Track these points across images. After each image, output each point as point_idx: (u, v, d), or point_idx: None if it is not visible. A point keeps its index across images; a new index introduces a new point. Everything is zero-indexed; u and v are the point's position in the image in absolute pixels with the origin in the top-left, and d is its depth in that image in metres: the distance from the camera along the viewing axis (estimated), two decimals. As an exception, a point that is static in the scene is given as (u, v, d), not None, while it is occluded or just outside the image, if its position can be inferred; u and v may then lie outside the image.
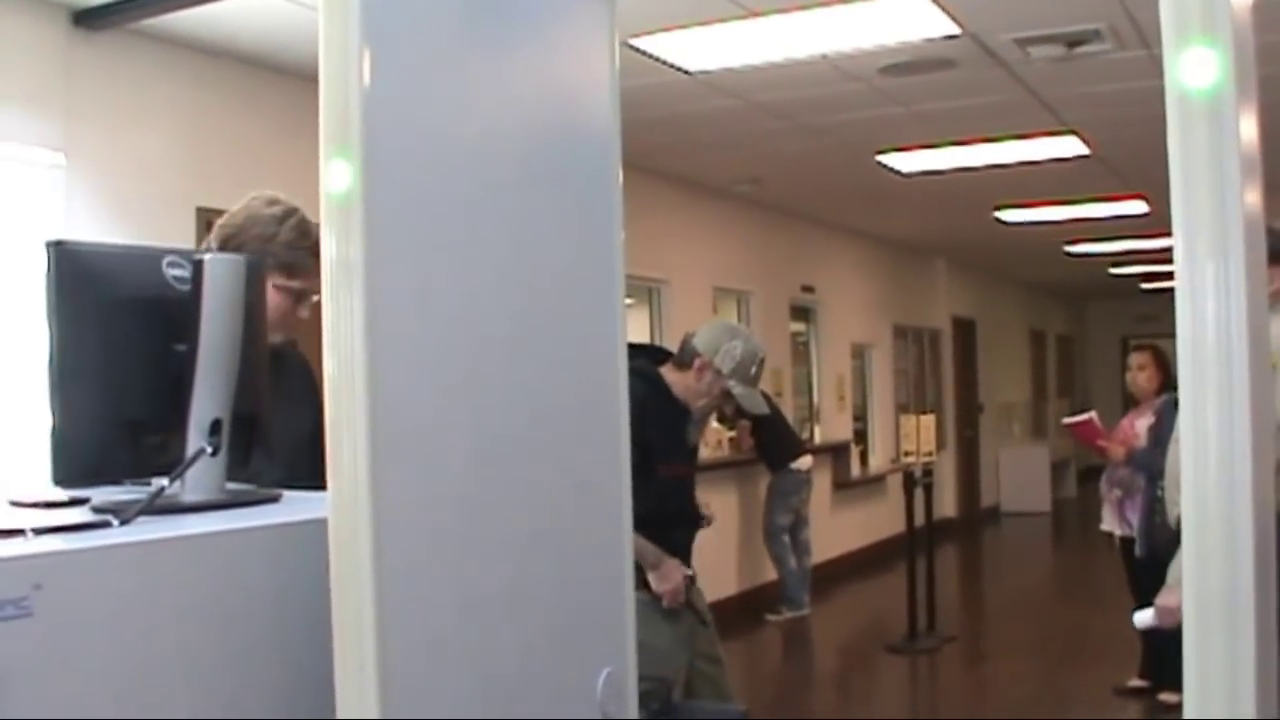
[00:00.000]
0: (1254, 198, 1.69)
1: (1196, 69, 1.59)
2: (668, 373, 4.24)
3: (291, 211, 3.03)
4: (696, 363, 4.20)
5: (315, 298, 2.96)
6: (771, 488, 10.49)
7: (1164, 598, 3.82)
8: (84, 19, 5.31)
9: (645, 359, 4.28)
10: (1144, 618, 3.94)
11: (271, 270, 2.93)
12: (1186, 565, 1.56)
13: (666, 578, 4.10)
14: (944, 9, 5.81)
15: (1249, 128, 1.67)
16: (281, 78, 6.13)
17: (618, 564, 2.30)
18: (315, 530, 1.81)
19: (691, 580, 4.20)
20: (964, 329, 17.42)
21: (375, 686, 1.69)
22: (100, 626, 1.68)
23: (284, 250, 2.98)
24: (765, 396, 10.37)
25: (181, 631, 1.79)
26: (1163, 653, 6.58)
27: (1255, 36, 1.87)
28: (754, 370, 4.22)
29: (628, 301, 7.84)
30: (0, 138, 5.02)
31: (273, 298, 2.96)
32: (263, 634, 1.91)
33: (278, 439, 2.50)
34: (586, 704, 2.16)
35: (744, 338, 4.27)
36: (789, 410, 11.49)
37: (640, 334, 9.57)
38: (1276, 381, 4.37)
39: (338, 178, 1.74)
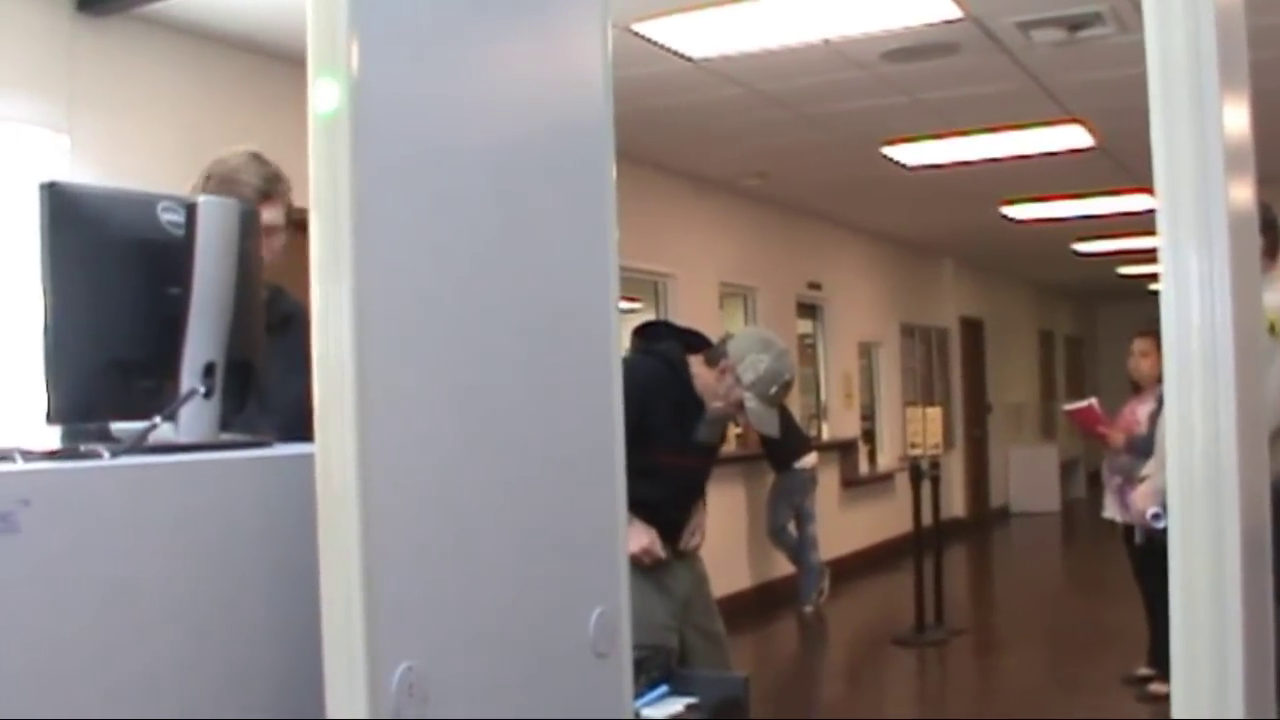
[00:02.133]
0: (1242, 189, 1.66)
1: (1174, 52, 1.56)
2: (696, 364, 4.16)
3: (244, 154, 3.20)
4: (722, 364, 4.11)
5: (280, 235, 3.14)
6: (774, 487, 10.50)
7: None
8: (88, 4, 5.33)
9: (676, 343, 4.22)
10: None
11: None
12: (1172, 564, 1.55)
13: (632, 539, 4.09)
14: (945, -10, 5.83)
15: (1236, 115, 1.64)
16: (283, 64, 6.14)
17: (610, 509, 2.31)
18: (304, 465, 1.81)
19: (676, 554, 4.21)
20: (972, 328, 17.40)
21: (362, 632, 1.69)
22: (87, 547, 1.69)
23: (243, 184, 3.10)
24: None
25: (168, 556, 1.80)
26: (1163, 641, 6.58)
27: (1247, 19, 1.83)
28: (774, 390, 4.10)
29: (635, 306, 7.78)
30: (5, 120, 5.06)
31: None
32: (250, 563, 1.92)
33: (276, 394, 2.51)
34: (579, 643, 2.17)
35: (775, 354, 4.11)
36: (796, 408, 11.48)
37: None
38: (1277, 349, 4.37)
39: (325, 167, 1.74)
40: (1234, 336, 1.53)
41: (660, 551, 4.08)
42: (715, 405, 4.13)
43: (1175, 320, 1.54)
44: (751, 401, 4.08)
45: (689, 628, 4.18)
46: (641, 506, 3.93)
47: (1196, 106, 1.54)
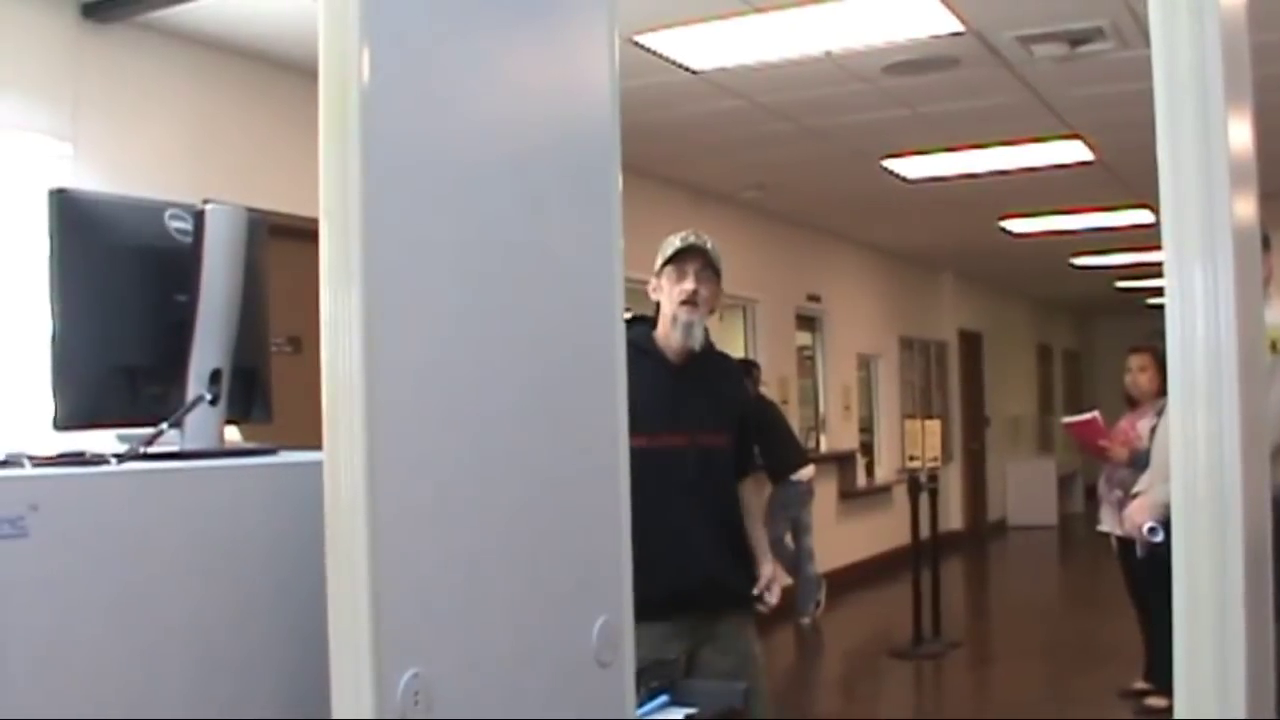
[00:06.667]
0: (1246, 204, 1.66)
1: (1180, 68, 1.56)
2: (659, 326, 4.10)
3: None
4: (652, 284, 4.11)
5: None
6: (771, 499, 10.47)
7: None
8: (93, 11, 5.33)
9: (645, 325, 4.14)
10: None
11: None
12: (1176, 576, 1.55)
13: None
14: (947, 5, 5.83)
15: (1240, 131, 1.65)
16: (288, 73, 6.16)
17: (614, 519, 2.32)
18: (311, 472, 1.82)
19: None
20: (970, 342, 17.42)
21: (368, 639, 1.70)
22: (94, 552, 1.70)
23: None
24: (770, 404, 10.46)
25: (175, 561, 1.81)
26: (1161, 655, 6.58)
27: (1250, 36, 1.84)
28: (671, 250, 4.08)
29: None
30: (10, 127, 5.06)
31: None
32: (256, 569, 1.93)
33: None
34: (582, 651, 2.18)
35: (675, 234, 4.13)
36: (795, 419, 11.48)
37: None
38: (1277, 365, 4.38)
39: (336, 175, 1.75)
40: (1238, 350, 1.54)
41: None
42: (680, 317, 4.03)
43: (1180, 334, 1.55)
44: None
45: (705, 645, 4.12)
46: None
47: (1201, 122, 1.55)
